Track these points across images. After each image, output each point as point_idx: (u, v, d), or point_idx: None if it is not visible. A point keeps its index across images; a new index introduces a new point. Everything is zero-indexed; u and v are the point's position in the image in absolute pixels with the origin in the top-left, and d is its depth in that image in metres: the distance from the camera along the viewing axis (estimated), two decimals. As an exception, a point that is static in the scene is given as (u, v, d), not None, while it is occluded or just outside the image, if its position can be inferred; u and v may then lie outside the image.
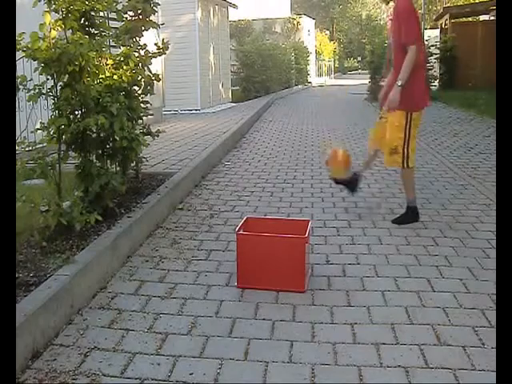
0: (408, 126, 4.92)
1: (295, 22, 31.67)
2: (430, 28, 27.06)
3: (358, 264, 4.15)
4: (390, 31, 5.13)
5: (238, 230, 3.82)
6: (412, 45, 4.79)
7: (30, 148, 4.02)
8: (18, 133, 3.35)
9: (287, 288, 3.62)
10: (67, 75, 4.09)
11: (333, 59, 44.28)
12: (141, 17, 5.57)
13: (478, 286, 3.70)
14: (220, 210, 5.64)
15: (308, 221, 4.03)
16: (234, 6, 19.00)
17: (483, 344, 2.96)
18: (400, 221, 5.09)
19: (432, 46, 20.09)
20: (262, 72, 20.64)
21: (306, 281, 3.69)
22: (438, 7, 33.27)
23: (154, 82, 5.51)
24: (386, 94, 5.09)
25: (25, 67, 4.35)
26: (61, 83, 4.10)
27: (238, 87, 20.79)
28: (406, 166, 5.01)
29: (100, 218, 4.01)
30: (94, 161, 4.52)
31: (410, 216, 5.13)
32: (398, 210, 5.47)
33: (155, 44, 5.57)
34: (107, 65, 4.81)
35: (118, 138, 4.58)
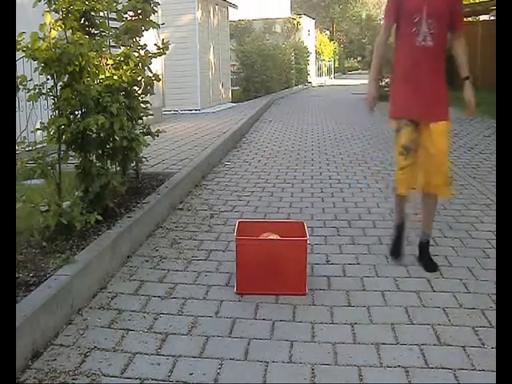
0: None
1: (295, 22, 31.66)
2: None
3: (358, 264, 4.15)
4: (429, 9, 3.81)
5: (238, 235, 3.76)
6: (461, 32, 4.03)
7: (30, 148, 4.02)
8: (18, 133, 3.35)
9: (288, 292, 3.59)
10: (67, 75, 4.09)
11: (333, 59, 44.26)
12: (141, 17, 5.57)
13: (478, 286, 3.71)
14: (220, 210, 5.64)
15: (302, 222, 3.97)
16: (234, 6, 19.00)
17: (483, 344, 2.96)
18: (433, 267, 4.03)
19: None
20: (262, 72, 20.64)
21: (306, 283, 3.67)
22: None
23: (154, 81, 5.51)
24: (425, 100, 3.90)
25: (25, 67, 4.35)
26: (61, 83, 4.11)
27: (238, 87, 20.79)
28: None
29: (100, 218, 4.01)
30: (94, 161, 4.53)
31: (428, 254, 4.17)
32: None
33: (155, 44, 5.57)
34: (107, 65, 4.82)
35: (117, 138, 4.58)
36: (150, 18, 5.70)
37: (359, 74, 48.33)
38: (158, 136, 5.83)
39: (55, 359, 2.82)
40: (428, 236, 4.20)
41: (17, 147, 3.59)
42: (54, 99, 4.15)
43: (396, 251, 4.25)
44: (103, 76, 4.60)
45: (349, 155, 8.78)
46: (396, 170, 4.14)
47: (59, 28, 4.12)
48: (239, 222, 3.98)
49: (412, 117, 3.94)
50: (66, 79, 4.12)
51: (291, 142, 10.26)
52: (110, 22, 5.48)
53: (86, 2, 4.42)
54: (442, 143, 3.93)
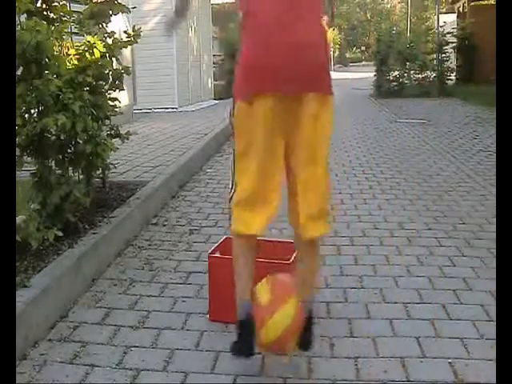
0: None
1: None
2: (446, 12, 27.28)
3: (362, 288, 4.16)
4: None
5: (212, 252, 3.77)
6: None
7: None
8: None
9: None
10: (21, 68, 4.10)
11: (332, 49, 44.52)
12: (108, -1, 5.59)
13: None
14: (201, 225, 5.65)
15: None
16: (217, -13, 19.11)
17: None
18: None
19: (448, 33, 20.31)
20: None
21: None
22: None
23: (124, 75, 5.52)
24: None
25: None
26: (14, 77, 4.12)
27: (221, 81, 20.84)
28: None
29: (60, 235, 4.01)
30: (53, 168, 4.53)
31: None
32: (409, 225, 5.50)
33: (125, 31, 5.59)
34: (69, 55, 4.83)
35: (80, 141, 4.59)
36: (119, 1, 5.72)
37: (363, 65, 48.60)
38: (128, 139, 5.84)
39: (7, 401, 2.82)
40: (311, 303, 3.09)
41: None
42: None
43: (246, 347, 2.97)
44: (64, 69, 4.61)
45: (351, 160, 8.83)
46: (235, 188, 3.05)
47: (12, 12, 4.14)
48: (225, 239, 3.96)
49: (269, 89, 2.72)
50: (19, 72, 4.13)
51: (284, 146, 10.28)
52: (72, 4, 5.49)
53: (44, -18, 4.45)
54: (324, 136, 2.86)
